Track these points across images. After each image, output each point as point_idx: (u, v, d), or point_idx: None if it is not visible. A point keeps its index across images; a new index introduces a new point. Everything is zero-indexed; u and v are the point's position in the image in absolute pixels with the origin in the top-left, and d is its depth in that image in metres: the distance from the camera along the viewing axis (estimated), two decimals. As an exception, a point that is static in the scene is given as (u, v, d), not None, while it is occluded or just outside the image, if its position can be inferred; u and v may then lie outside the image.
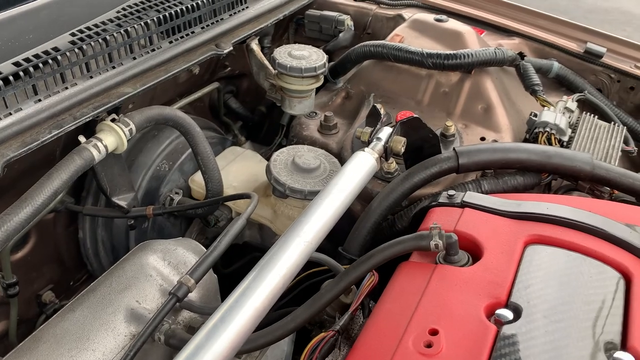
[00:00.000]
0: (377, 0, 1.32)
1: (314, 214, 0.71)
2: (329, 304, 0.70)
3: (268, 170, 0.90)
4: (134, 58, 0.89)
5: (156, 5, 0.96)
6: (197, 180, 0.99)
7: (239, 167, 1.04)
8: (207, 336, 0.57)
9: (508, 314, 0.58)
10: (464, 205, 0.75)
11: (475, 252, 0.68)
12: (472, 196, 0.76)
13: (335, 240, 0.87)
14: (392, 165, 0.96)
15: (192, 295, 0.73)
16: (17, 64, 0.74)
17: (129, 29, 0.88)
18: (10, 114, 0.72)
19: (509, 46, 1.18)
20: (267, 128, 1.41)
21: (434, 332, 0.56)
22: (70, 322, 0.69)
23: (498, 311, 0.58)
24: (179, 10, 0.97)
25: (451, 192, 0.77)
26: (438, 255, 0.68)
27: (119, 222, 1.01)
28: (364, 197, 0.99)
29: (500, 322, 0.58)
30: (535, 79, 1.05)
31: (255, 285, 0.61)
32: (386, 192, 0.89)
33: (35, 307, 0.99)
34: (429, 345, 0.55)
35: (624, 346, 0.56)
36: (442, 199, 0.78)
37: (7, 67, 0.73)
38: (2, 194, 0.76)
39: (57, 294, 1.02)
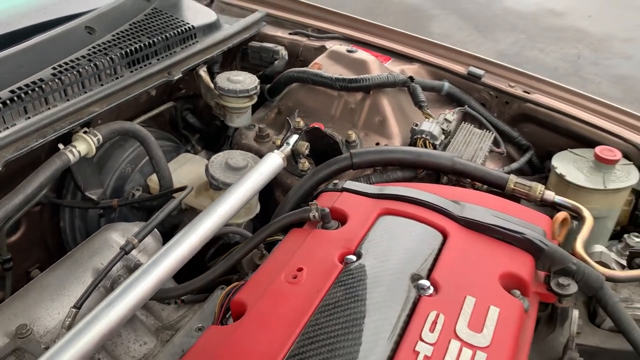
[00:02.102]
0: (306, 33, 1.61)
1: (229, 195, 0.98)
2: (239, 261, 0.97)
3: (206, 169, 1.17)
4: (102, 84, 1.16)
5: (120, 43, 1.23)
6: (154, 180, 1.25)
7: (188, 169, 1.31)
8: (132, 281, 0.83)
9: (352, 258, 0.85)
10: (342, 190, 1.02)
11: (343, 221, 0.95)
12: (350, 184, 1.03)
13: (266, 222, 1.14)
14: (306, 164, 1.23)
15: (141, 258, 1.00)
16: (12, 91, 1.01)
17: (97, 62, 1.15)
18: (7, 127, 0.98)
19: (409, 70, 1.47)
20: (223, 139, 1.68)
21: (299, 269, 0.83)
22: (52, 278, 0.95)
23: (347, 257, 0.85)
24: (137, 47, 1.24)
25: (335, 181, 1.05)
26: (318, 225, 0.95)
27: (92, 214, 1.27)
28: (284, 189, 1.27)
29: (346, 263, 0.84)
30: (422, 97, 1.33)
31: (178, 243, 0.88)
32: (299, 185, 1.16)
33: (25, 281, 1.24)
34: (294, 277, 0.82)
35: (428, 277, 0.83)
36: (330, 186, 1.05)
37: (5, 94, 1.00)
38: (1, 187, 1.02)
39: (42, 271, 1.27)
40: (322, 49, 1.52)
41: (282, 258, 0.88)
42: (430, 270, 0.84)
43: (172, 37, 1.32)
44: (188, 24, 1.39)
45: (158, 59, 1.28)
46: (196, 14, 1.46)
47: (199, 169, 1.31)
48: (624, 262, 1.01)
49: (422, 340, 0.72)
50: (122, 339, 0.96)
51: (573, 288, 0.85)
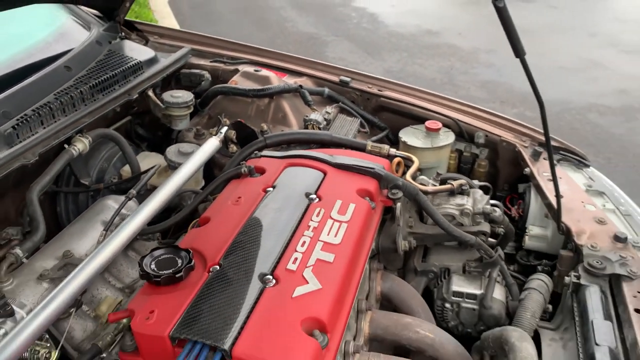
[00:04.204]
0: (223, 60, 2.18)
1: (183, 168, 1.50)
2: (197, 206, 1.49)
3: (165, 155, 1.70)
4: (85, 104, 1.66)
5: (93, 76, 1.73)
6: (127, 170, 1.74)
7: (148, 162, 1.81)
8: (126, 222, 1.33)
9: (270, 189, 1.40)
10: (261, 156, 1.58)
11: (263, 172, 1.50)
12: (265, 153, 1.60)
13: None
14: (234, 148, 1.79)
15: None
16: (33, 110, 1.50)
17: (81, 89, 1.65)
18: (33, 134, 1.46)
19: (300, 81, 2.07)
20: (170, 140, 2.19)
21: (239, 197, 1.38)
22: (74, 228, 1.43)
23: (267, 188, 1.41)
24: (105, 78, 1.75)
25: (261, 152, 1.61)
26: (247, 176, 1.50)
27: (82, 199, 1.74)
28: (220, 167, 1.81)
29: (266, 191, 1.40)
30: (309, 98, 1.93)
31: (152, 200, 1.38)
32: (230, 161, 1.70)
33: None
34: (236, 201, 1.36)
35: (316, 193, 1.40)
36: (253, 155, 1.61)
37: (29, 112, 1.48)
38: (29, 175, 1.49)
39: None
40: (236, 70, 2.09)
41: (228, 194, 1.42)
42: (317, 190, 1.42)
43: (127, 69, 1.84)
44: (136, 59, 1.91)
45: (119, 85, 1.80)
46: (140, 52, 1.99)
47: (156, 160, 1.82)
48: (437, 184, 1.64)
49: (311, 221, 1.29)
50: (122, 267, 1.45)
51: (400, 194, 1.46)
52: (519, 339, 1.24)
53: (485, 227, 1.55)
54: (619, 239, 1.48)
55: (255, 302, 1.06)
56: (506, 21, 1.22)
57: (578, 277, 1.39)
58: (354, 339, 1.26)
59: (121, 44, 2.00)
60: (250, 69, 2.04)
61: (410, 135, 1.92)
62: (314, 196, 1.39)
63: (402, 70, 5.85)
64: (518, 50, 1.25)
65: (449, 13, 7.57)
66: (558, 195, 1.50)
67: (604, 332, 1.23)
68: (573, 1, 8.26)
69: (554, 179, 1.45)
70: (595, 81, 5.35)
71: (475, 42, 6.54)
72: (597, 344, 1.21)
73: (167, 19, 7.06)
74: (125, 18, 2.16)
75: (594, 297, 1.33)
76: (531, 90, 1.25)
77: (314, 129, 1.82)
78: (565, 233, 1.55)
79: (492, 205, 1.64)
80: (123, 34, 2.12)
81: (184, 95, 1.87)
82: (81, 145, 1.55)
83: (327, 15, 7.73)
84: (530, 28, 6.99)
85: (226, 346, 0.96)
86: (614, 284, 1.37)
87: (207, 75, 2.09)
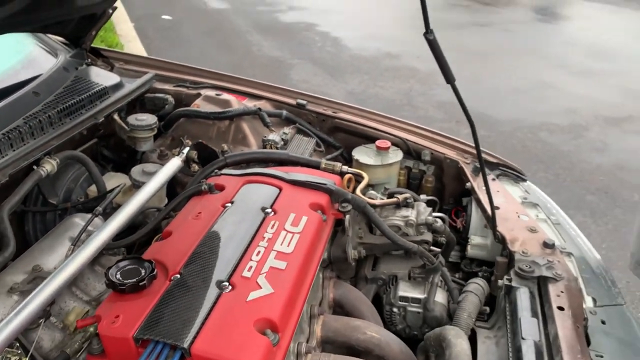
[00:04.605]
0: (186, 85, 2.30)
1: (146, 187, 1.60)
2: (160, 222, 1.59)
3: (129, 175, 1.79)
4: (53, 128, 1.75)
5: (60, 101, 1.83)
6: (93, 189, 1.83)
7: (115, 181, 1.90)
8: (92, 237, 1.43)
9: (229, 204, 1.52)
10: (221, 174, 1.70)
11: (222, 190, 1.62)
12: (225, 171, 1.71)
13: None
14: (195, 167, 1.90)
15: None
16: (3, 134, 1.58)
17: (49, 114, 1.74)
18: (3, 156, 1.54)
19: (259, 104, 2.20)
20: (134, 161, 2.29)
21: (199, 212, 1.49)
22: (43, 244, 1.51)
23: (226, 204, 1.52)
24: (72, 103, 1.84)
25: (222, 171, 1.72)
26: (207, 193, 1.61)
27: (49, 218, 1.81)
28: (182, 185, 1.91)
29: (225, 206, 1.51)
30: (267, 120, 2.06)
31: (117, 216, 1.48)
32: (193, 179, 1.81)
33: (3, 270, 1.76)
34: (197, 216, 1.47)
35: (271, 207, 1.52)
36: (213, 174, 1.73)
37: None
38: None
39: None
40: (198, 94, 2.21)
41: (189, 210, 1.53)
42: (272, 204, 1.54)
43: (93, 95, 1.94)
44: (102, 85, 2.01)
45: (86, 110, 1.89)
46: (106, 78, 2.09)
47: (121, 180, 1.92)
48: (385, 198, 1.78)
49: (266, 232, 1.41)
50: (89, 281, 1.53)
51: (349, 208, 1.59)
52: (455, 336, 1.37)
53: (428, 236, 1.69)
54: (547, 245, 1.64)
55: (213, 306, 1.17)
56: (436, 51, 1.37)
57: (510, 280, 1.53)
58: (307, 341, 1.37)
59: (87, 70, 2.10)
60: (212, 93, 2.16)
61: (362, 154, 2.06)
62: (269, 210, 1.51)
63: (363, 92, 6.05)
64: (448, 77, 1.40)
65: (409, 37, 7.84)
66: (492, 207, 1.66)
67: (529, 327, 1.38)
68: (526, 25, 8.68)
69: (488, 193, 1.61)
70: (545, 101, 5.65)
71: (433, 65, 6.76)
72: (523, 338, 1.35)
73: (132, 42, 7.14)
74: (92, 45, 2.26)
75: (523, 297, 1.48)
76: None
77: (271, 148, 1.94)
78: (501, 241, 1.70)
79: (439, 217, 1.80)
80: (89, 60, 2.22)
81: (148, 119, 1.97)
82: (49, 166, 1.64)
83: (292, 39, 7.93)
84: (486, 50, 7.32)
85: (185, 345, 1.06)
86: (541, 285, 1.52)
87: (170, 99, 2.20)
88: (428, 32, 1.33)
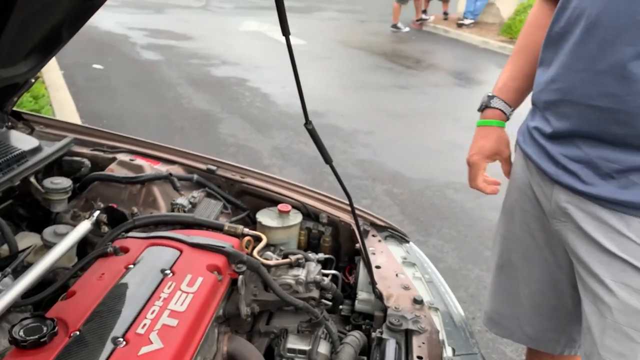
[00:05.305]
0: (102, 149, 2.46)
1: (57, 247, 1.74)
2: (67, 281, 1.72)
3: (41, 236, 1.92)
4: (-32, 192, 1.87)
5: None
6: (5, 248, 1.94)
7: (28, 241, 2.02)
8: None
9: (131, 266, 1.68)
10: (127, 237, 1.86)
11: (127, 252, 1.78)
12: (130, 234, 1.88)
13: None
14: (105, 229, 2.05)
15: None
16: None
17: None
18: None
19: (172, 169, 2.39)
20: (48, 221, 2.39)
21: (103, 274, 1.64)
22: None
23: (129, 266, 1.68)
24: (-11, 167, 1.97)
25: (129, 234, 1.88)
26: (112, 255, 1.76)
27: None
28: (92, 245, 2.05)
29: (128, 268, 1.68)
30: (177, 184, 2.25)
31: (25, 276, 1.62)
32: (102, 241, 1.96)
33: None
34: (100, 277, 1.62)
35: (170, 269, 1.69)
36: (120, 236, 1.88)
37: None
38: None
39: None
40: (114, 159, 2.38)
41: (94, 270, 1.68)
42: (172, 266, 1.71)
43: (11, 159, 2.06)
44: (20, 149, 2.14)
45: (3, 174, 2.01)
46: (24, 142, 2.22)
47: (34, 240, 2.03)
48: (280, 259, 2.00)
49: (163, 292, 1.58)
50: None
51: (244, 268, 1.79)
52: (329, 383, 1.58)
53: (315, 293, 1.91)
54: (416, 301, 1.90)
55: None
56: (315, 138, 1.63)
57: (381, 333, 1.77)
58: (199, 391, 1.53)
59: (7, 134, 2.22)
60: (126, 157, 2.33)
61: (265, 216, 2.28)
62: (168, 271, 1.68)
63: (288, 147, 6.34)
64: (326, 159, 1.66)
65: (334, 96, 8.31)
66: (370, 268, 1.91)
67: (392, 374, 1.61)
68: (443, 89, 9.38)
69: (366, 255, 1.86)
70: (454, 161, 6.13)
71: (356, 124, 7.22)
72: (386, 384, 1.58)
73: (60, 91, 7.15)
74: (13, 108, 2.39)
75: (390, 348, 1.71)
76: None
77: (179, 211, 2.13)
78: (379, 297, 1.94)
79: (333, 274, 2.03)
80: (10, 123, 2.34)
81: (63, 182, 2.12)
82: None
83: (222, 93, 8.19)
84: (405, 112, 7.84)
85: (77, 396, 1.21)
86: (408, 338, 1.77)
87: (87, 162, 2.35)
88: (307, 123, 1.58)
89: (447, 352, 1.82)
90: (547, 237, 1.93)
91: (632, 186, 1.50)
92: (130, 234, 1.89)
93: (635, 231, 1.52)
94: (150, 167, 2.30)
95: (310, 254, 2.10)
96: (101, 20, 11.85)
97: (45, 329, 1.38)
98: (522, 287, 2.13)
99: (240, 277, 1.78)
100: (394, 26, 14.62)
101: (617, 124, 1.50)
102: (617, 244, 1.55)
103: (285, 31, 1.32)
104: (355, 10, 17.66)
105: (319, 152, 1.63)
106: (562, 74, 1.67)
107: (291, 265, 1.96)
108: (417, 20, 15.56)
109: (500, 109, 2.09)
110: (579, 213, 1.65)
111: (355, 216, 1.82)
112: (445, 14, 15.94)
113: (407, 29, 14.74)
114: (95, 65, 8.91)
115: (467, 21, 14.87)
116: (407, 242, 2.38)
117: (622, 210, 1.53)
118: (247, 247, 2.00)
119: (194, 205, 2.21)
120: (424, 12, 15.63)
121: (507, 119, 2.12)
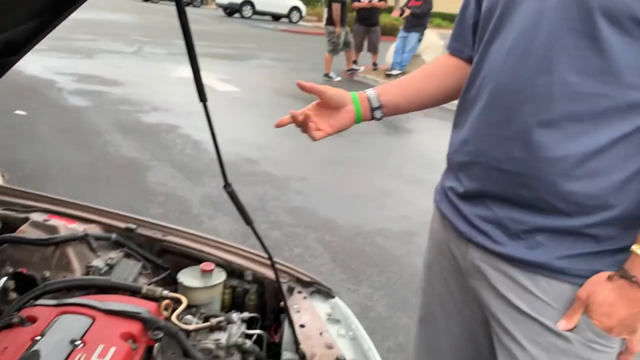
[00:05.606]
0: (15, 209, 2.34)
1: None
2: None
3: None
4: None
5: None
6: None
7: None
8: None
9: (38, 337, 1.59)
10: (35, 305, 1.76)
11: (35, 321, 1.68)
12: (40, 301, 1.78)
13: None
14: (13, 295, 1.93)
15: None
16: None
17: None
18: None
19: (90, 228, 2.30)
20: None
21: (6, 347, 1.53)
22: None
23: (35, 338, 1.59)
24: None
25: (38, 301, 1.78)
26: (18, 325, 1.66)
27: None
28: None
29: (34, 340, 1.58)
30: (94, 245, 2.17)
31: None
32: (9, 308, 1.84)
33: None
34: (3, 351, 1.52)
35: (81, 339, 1.61)
36: (28, 304, 1.78)
37: None
38: None
39: None
40: (27, 219, 2.27)
41: (-4, 344, 1.57)
42: (83, 336, 1.63)
43: None
44: None
45: None
46: None
47: None
48: (201, 322, 1.95)
49: (71, 367, 1.50)
50: None
51: (161, 335, 1.73)
52: None
53: (237, 357, 1.87)
54: (339, 360, 1.90)
55: None
56: (235, 200, 1.63)
57: (302, 394, 1.75)
58: None
59: None
60: (40, 217, 2.23)
61: (187, 276, 2.22)
62: (78, 342, 1.60)
63: (219, 196, 6.27)
64: (247, 220, 1.65)
65: (267, 143, 8.37)
66: (293, 328, 1.90)
67: None
68: (374, 137, 9.64)
69: (289, 316, 1.85)
70: (383, 208, 6.28)
71: (289, 171, 7.29)
72: None
73: (-24, 138, 6.81)
74: None
75: (312, 411, 1.69)
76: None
77: (95, 274, 2.04)
78: (302, 357, 1.93)
79: (258, 334, 2.00)
80: None
81: (-31, 246, 1.99)
82: None
83: (152, 140, 8.06)
84: (337, 160, 8.00)
85: None
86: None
87: (-4, 223, 2.23)
88: (227, 185, 1.58)
89: (370, 411, 1.82)
90: (464, 293, 1.99)
91: (538, 247, 1.58)
92: (40, 301, 1.79)
93: (542, 290, 1.60)
94: (65, 227, 2.20)
95: (234, 314, 2.06)
96: (27, 64, 11.48)
97: None
98: (443, 341, 2.18)
99: (157, 345, 1.72)
100: (326, 75, 15.09)
101: (522, 187, 1.59)
102: (527, 302, 1.63)
103: (202, 98, 1.34)
104: (288, 59, 18.07)
105: (239, 213, 1.62)
106: (473, 136, 1.76)
107: (212, 329, 1.91)
108: (348, 71, 16.17)
109: (367, 95, 2.04)
110: (492, 271, 1.72)
111: (277, 275, 1.81)
112: (375, 64, 16.67)
113: (338, 78, 15.25)
114: (18, 111, 8.56)
115: (395, 72, 15.56)
116: (332, 297, 2.38)
117: (530, 269, 1.61)
118: (166, 311, 1.94)
119: (111, 267, 2.13)
120: (355, 62, 16.29)
121: (371, 108, 2.08)
